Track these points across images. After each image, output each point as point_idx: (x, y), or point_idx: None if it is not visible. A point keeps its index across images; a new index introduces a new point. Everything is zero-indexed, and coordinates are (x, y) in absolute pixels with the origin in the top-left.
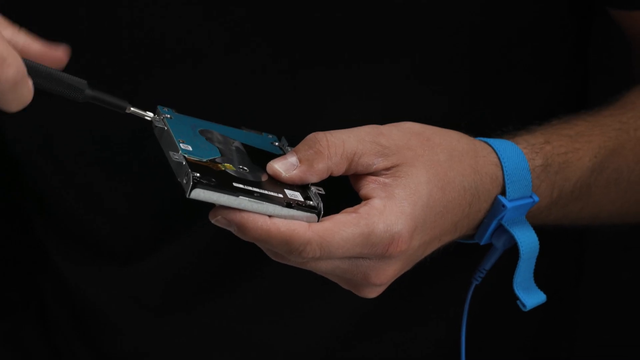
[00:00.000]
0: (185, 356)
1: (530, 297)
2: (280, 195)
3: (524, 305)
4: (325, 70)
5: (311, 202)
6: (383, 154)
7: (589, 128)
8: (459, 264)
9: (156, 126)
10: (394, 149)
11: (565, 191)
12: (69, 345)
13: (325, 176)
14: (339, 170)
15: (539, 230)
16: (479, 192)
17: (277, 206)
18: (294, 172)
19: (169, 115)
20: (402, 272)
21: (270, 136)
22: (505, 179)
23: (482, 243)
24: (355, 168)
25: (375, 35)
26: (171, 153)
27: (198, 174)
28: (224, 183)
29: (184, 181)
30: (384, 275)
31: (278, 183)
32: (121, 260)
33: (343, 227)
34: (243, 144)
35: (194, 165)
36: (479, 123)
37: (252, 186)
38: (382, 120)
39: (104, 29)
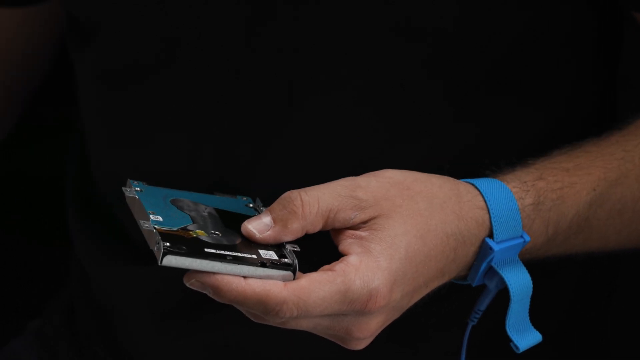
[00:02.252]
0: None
1: (525, 338)
2: (254, 256)
3: (517, 348)
4: (323, 97)
5: (286, 260)
6: (360, 207)
7: (589, 160)
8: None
9: (128, 196)
10: (372, 201)
11: (562, 227)
12: (92, 344)
13: (300, 235)
14: (314, 229)
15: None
16: (463, 237)
17: (250, 267)
18: (268, 232)
19: (139, 189)
20: (390, 321)
21: (244, 198)
22: (492, 222)
23: (474, 285)
24: (332, 224)
25: (378, 62)
26: (141, 222)
27: (168, 243)
28: (195, 249)
29: (155, 249)
30: (367, 329)
31: (252, 244)
32: (144, 260)
33: (319, 285)
34: (216, 209)
35: (164, 235)
36: (476, 154)
37: (225, 250)
38: (388, 150)
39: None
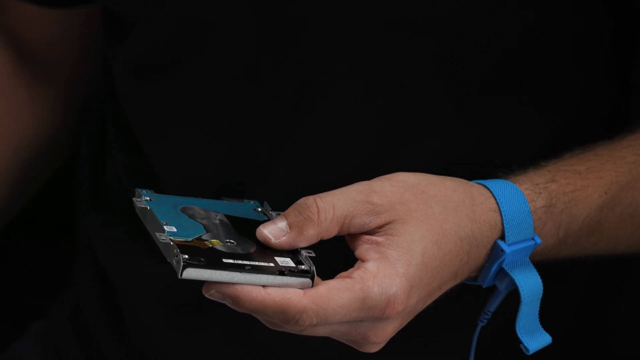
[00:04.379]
0: (206, 355)
1: (535, 340)
2: (272, 264)
3: (527, 349)
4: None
5: (303, 267)
6: (375, 212)
7: (601, 163)
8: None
9: (139, 207)
10: (387, 205)
11: (573, 229)
12: (100, 343)
13: (315, 241)
14: (329, 235)
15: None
16: (477, 240)
17: (269, 276)
18: (284, 238)
19: (148, 198)
20: (404, 325)
21: (251, 202)
22: (505, 224)
23: (484, 286)
24: (347, 229)
25: (389, 64)
26: (157, 234)
27: (187, 256)
28: (213, 260)
29: (174, 262)
30: (383, 334)
31: (268, 251)
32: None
33: (338, 293)
34: (226, 216)
35: (181, 247)
36: (485, 155)
37: (242, 259)
38: (397, 151)
39: None
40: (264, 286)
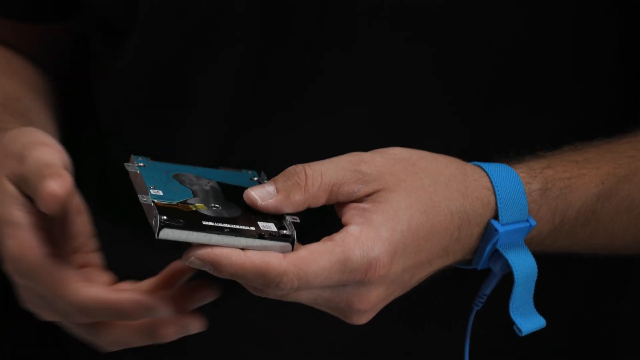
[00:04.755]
0: (213, 347)
1: (528, 322)
2: (253, 228)
3: (520, 331)
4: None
5: (285, 232)
6: (364, 181)
7: (599, 155)
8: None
9: (130, 171)
10: (375, 175)
11: (569, 217)
12: None
13: (302, 208)
14: (317, 202)
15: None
16: (468, 216)
17: (248, 239)
18: (270, 200)
19: (142, 164)
20: (392, 297)
21: (249, 172)
22: (498, 203)
23: (479, 268)
24: (336, 197)
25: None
26: (140, 196)
27: (165, 216)
28: (192, 222)
29: (152, 223)
30: (367, 300)
31: (252, 217)
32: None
33: (319, 255)
34: (219, 183)
35: (162, 209)
36: (485, 149)
37: (224, 222)
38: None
39: None
40: (243, 250)
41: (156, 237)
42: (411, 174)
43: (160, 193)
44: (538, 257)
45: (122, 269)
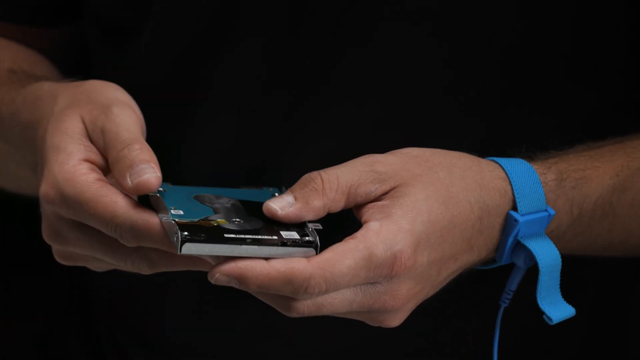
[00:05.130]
0: (226, 347)
1: (557, 310)
2: (275, 237)
3: (550, 319)
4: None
5: (308, 238)
6: (380, 180)
7: (611, 150)
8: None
9: (151, 196)
10: (391, 173)
11: (586, 209)
12: (111, 332)
13: (322, 214)
14: (336, 207)
15: None
16: (488, 206)
17: (271, 247)
18: (290, 209)
19: (162, 189)
20: (422, 294)
21: (271, 189)
22: (515, 193)
23: (502, 262)
24: (354, 200)
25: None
26: (161, 215)
27: (186, 232)
28: (214, 235)
29: (174, 240)
30: (398, 296)
31: (274, 228)
32: None
33: (343, 255)
34: (240, 200)
35: (183, 226)
36: (498, 147)
37: (246, 234)
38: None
39: None
40: (267, 260)
41: (179, 253)
42: (426, 169)
43: (181, 212)
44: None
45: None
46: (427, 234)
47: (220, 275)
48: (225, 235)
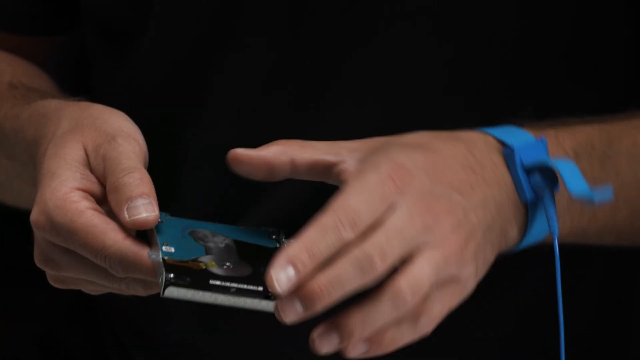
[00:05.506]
0: (231, 349)
1: (594, 193)
2: (260, 289)
3: (591, 202)
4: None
5: None
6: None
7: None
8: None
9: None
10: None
11: (580, 144)
12: (114, 333)
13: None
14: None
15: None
16: (474, 143)
17: (255, 300)
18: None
19: (160, 220)
20: (460, 213)
21: (270, 229)
22: (493, 133)
23: (529, 197)
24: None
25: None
26: (149, 253)
27: (172, 274)
28: (199, 281)
29: (159, 280)
30: (430, 205)
31: (262, 277)
32: None
33: (344, 194)
34: (235, 240)
35: (171, 266)
36: None
37: (232, 282)
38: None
39: None
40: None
41: (161, 296)
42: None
43: (172, 250)
44: (544, 266)
45: None
46: (411, 158)
47: None
48: (211, 282)
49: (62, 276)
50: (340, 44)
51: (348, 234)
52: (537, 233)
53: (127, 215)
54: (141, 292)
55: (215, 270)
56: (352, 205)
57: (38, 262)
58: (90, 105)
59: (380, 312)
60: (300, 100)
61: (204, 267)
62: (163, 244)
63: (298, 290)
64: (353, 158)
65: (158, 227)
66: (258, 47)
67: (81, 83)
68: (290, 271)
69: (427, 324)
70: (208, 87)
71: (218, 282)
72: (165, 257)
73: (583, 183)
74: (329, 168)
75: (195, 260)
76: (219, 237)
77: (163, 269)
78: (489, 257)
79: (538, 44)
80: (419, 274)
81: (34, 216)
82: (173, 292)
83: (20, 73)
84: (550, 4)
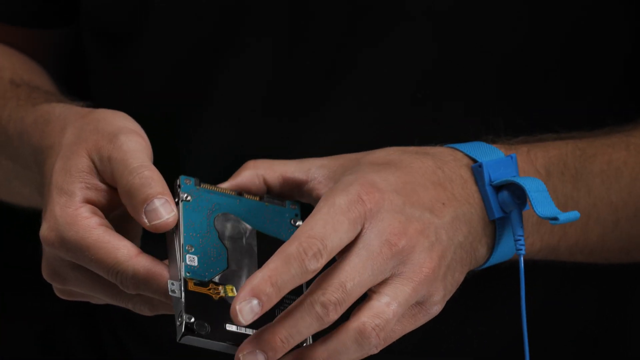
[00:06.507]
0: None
1: (561, 215)
2: None
3: (556, 219)
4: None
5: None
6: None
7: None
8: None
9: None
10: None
11: (553, 170)
12: (114, 331)
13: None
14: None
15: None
16: (442, 159)
17: None
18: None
19: (186, 195)
20: (432, 231)
21: (292, 207)
22: (462, 149)
23: (496, 215)
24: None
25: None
26: (170, 282)
27: (193, 319)
28: (216, 329)
29: (177, 323)
30: (398, 229)
31: (275, 312)
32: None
33: (309, 220)
34: (257, 233)
35: (191, 299)
36: None
37: (247, 328)
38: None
39: None
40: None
41: (177, 340)
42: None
43: (195, 263)
44: (547, 267)
45: None
46: (382, 177)
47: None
48: (227, 329)
49: (69, 290)
50: (343, 46)
51: (312, 265)
52: (505, 251)
53: (146, 221)
54: (147, 312)
55: (232, 299)
56: (318, 233)
57: (46, 277)
58: (91, 110)
59: (344, 349)
60: (302, 101)
61: (222, 295)
62: (188, 249)
63: (260, 343)
64: (323, 176)
65: (184, 213)
66: (260, 49)
67: (76, 79)
68: (254, 303)
69: (381, 347)
70: (210, 89)
71: (234, 328)
72: (187, 276)
73: (550, 202)
74: (299, 186)
75: (213, 285)
76: (242, 228)
77: (183, 310)
78: (457, 278)
79: (538, 46)
80: (385, 315)
81: (44, 232)
82: (191, 340)
83: (21, 69)
84: (550, 7)
